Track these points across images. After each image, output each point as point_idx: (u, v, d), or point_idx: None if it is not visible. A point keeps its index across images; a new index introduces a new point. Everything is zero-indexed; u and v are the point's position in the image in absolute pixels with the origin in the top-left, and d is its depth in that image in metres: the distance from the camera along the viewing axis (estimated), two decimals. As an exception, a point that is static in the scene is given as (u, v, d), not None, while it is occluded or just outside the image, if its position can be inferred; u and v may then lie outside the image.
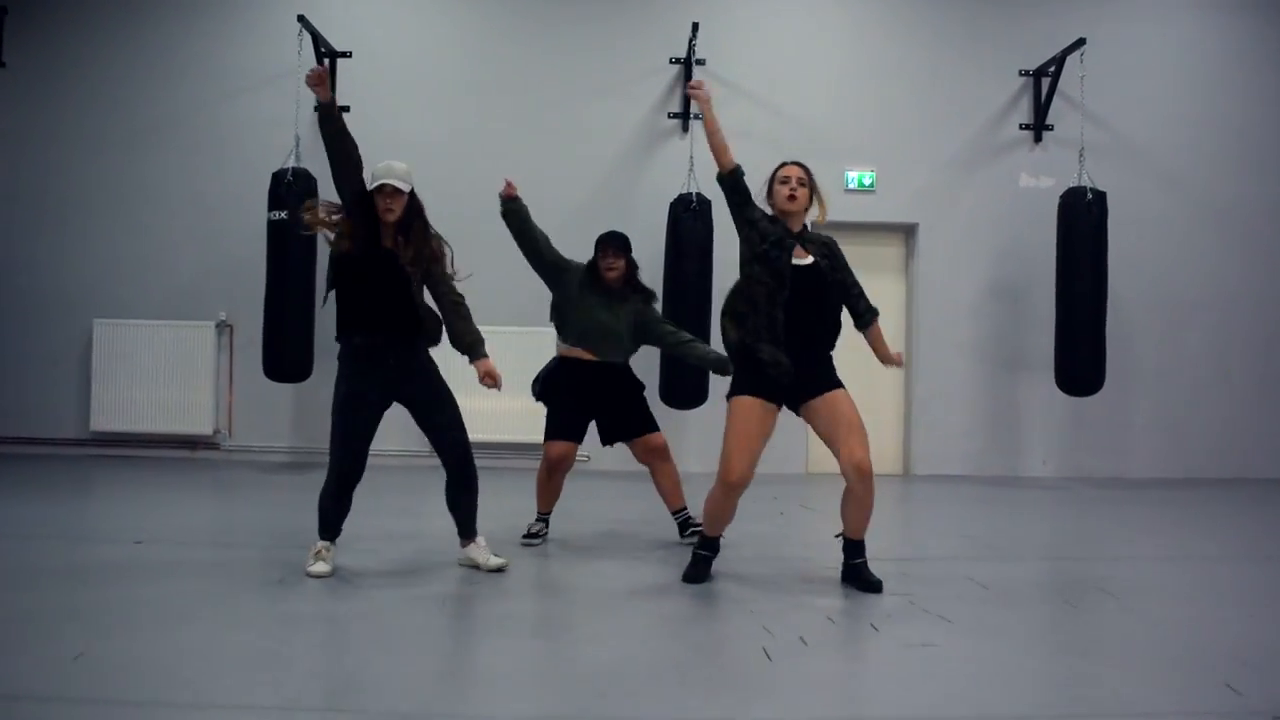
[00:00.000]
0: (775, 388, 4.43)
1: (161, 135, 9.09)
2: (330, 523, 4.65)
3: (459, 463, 4.72)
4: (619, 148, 9.12)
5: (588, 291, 5.39)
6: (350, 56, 9.05)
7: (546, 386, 5.59)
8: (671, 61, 9.06)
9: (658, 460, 5.59)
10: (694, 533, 5.16)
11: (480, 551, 4.79)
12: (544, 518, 5.61)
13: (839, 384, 4.49)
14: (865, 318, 4.65)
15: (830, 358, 4.53)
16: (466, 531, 4.83)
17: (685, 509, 5.62)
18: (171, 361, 8.89)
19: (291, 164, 8.11)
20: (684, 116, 9.01)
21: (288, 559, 4.78)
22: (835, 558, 4.73)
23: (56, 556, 4.86)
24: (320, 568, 4.51)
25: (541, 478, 5.56)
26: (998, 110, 9.29)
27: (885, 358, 4.72)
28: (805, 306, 4.42)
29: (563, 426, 5.48)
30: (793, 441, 8.38)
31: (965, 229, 9.19)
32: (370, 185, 4.49)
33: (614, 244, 5.42)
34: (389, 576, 4.57)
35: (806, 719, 2.99)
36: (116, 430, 8.88)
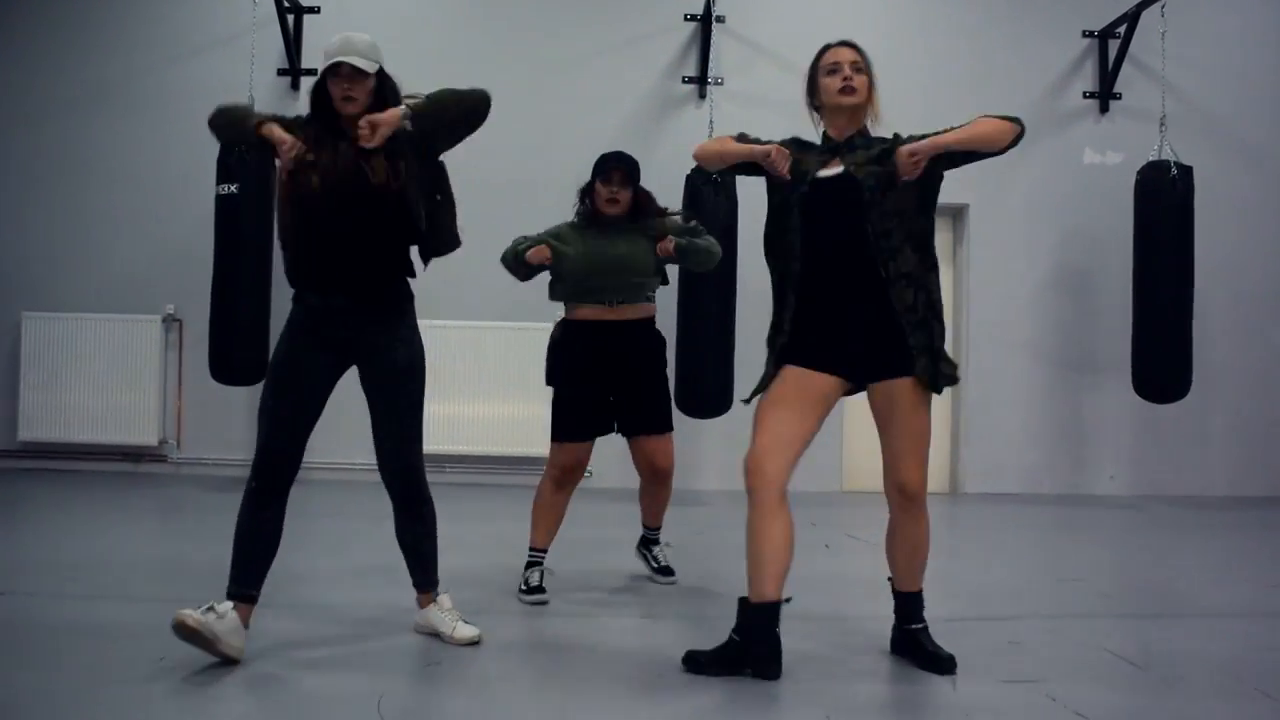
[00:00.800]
0: (828, 355, 3.26)
1: (100, 102, 7.99)
2: (243, 560, 3.33)
3: (405, 486, 3.49)
4: (628, 115, 7.98)
5: (582, 233, 4.33)
6: (318, 12, 7.93)
7: (550, 364, 4.38)
8: (687, 18, 7.93)
9: (658, 482, 4.43)
10: (659, 567, 4.60)
11: (444, 616, 3.53)
12: (539, 557, 4.29)
13: (908, 369, 3.20)
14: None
15: (899, 322, 3.21)
16: (423, 582, 3.56)
17: (659, 530, 4.68)
18: (112, 361, 7.80)
19: (246, 130, 6.96)
20: (701, 80, 7.88)
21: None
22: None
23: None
24: (222, 627, 3.12)
25: (544, 497, 4.30)
26: (1058, 76, 8.17)
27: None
28: (832, 240, 3.27)
29: (573, 422, 4.23)
30: (825, 454, 7.28)
31: (1022, 211, 8.08)
32: (321, 67, 3.34)
33: (620, 167, 4.30)
34: (331, 648, 3.40)
35: None
36: (48, 440, 7.76)
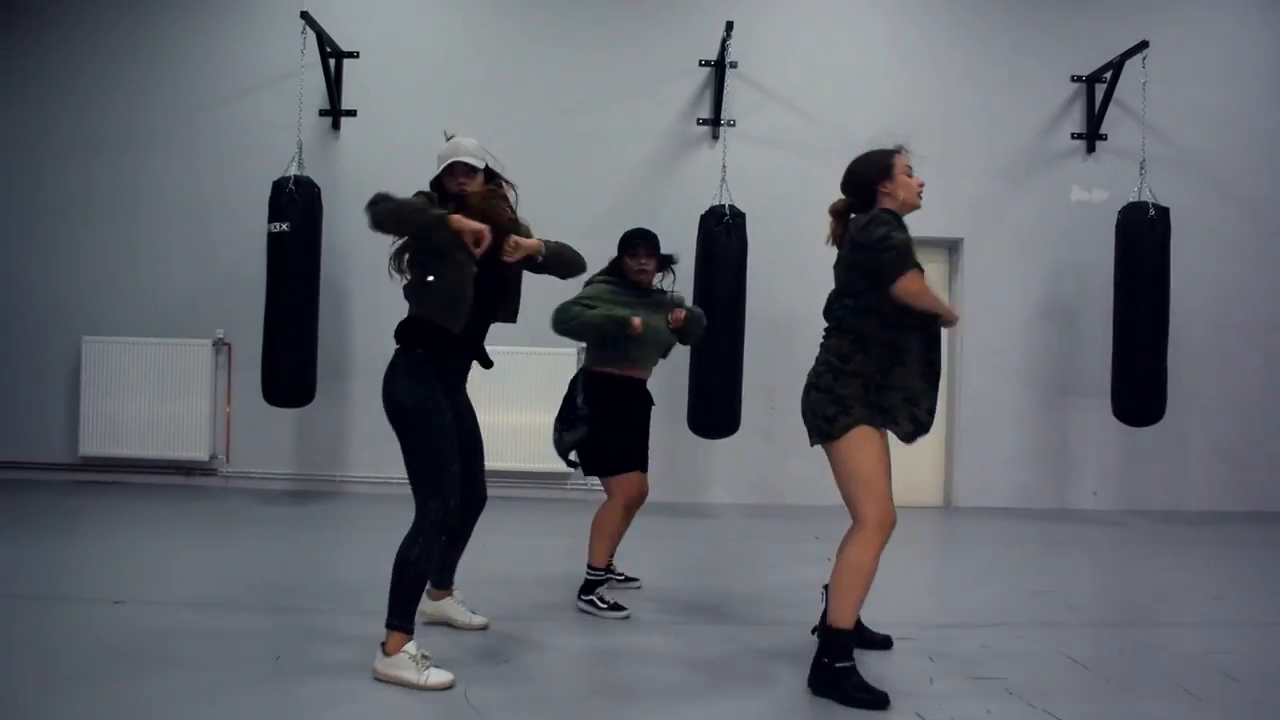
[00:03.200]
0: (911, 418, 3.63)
1: (155, 140, 8.55)
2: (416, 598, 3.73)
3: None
4: (644, 156, 8.54)
5: (623, 301, 4.81)
6: (357, 57, 8.48)
7: (600, 410, 4.77)
8: (701, 64, 8.49)
9: (635, 511, 4.87)
10: (591, 602, 4.70)
11: (458, 608, 4.34)
12: (603, 575, 4.77)
13: None
14: None
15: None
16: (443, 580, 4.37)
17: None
18: (165, 382, 8.34)
19: (294, 172, 7.54)
20: (714, 123, 8.43)
21: (295, 625, 4.22)
22: (897, 620, 4.16)
23: (23, 623, 4.29)
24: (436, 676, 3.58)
25: (611, 523, 4.76)
26: (1048, 119, 8.71)
27: None
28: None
29: (634, 454, 4.82)
30: (825, 468, 7.83)
31: (1013, 244, 8.62)
32: (439, 169, 3.97)
33: (646, 242, 4.90)
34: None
35: None
36: (106, 454, 8.32)
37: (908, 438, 3.60)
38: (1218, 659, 4.12)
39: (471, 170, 3.94)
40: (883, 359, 3.57)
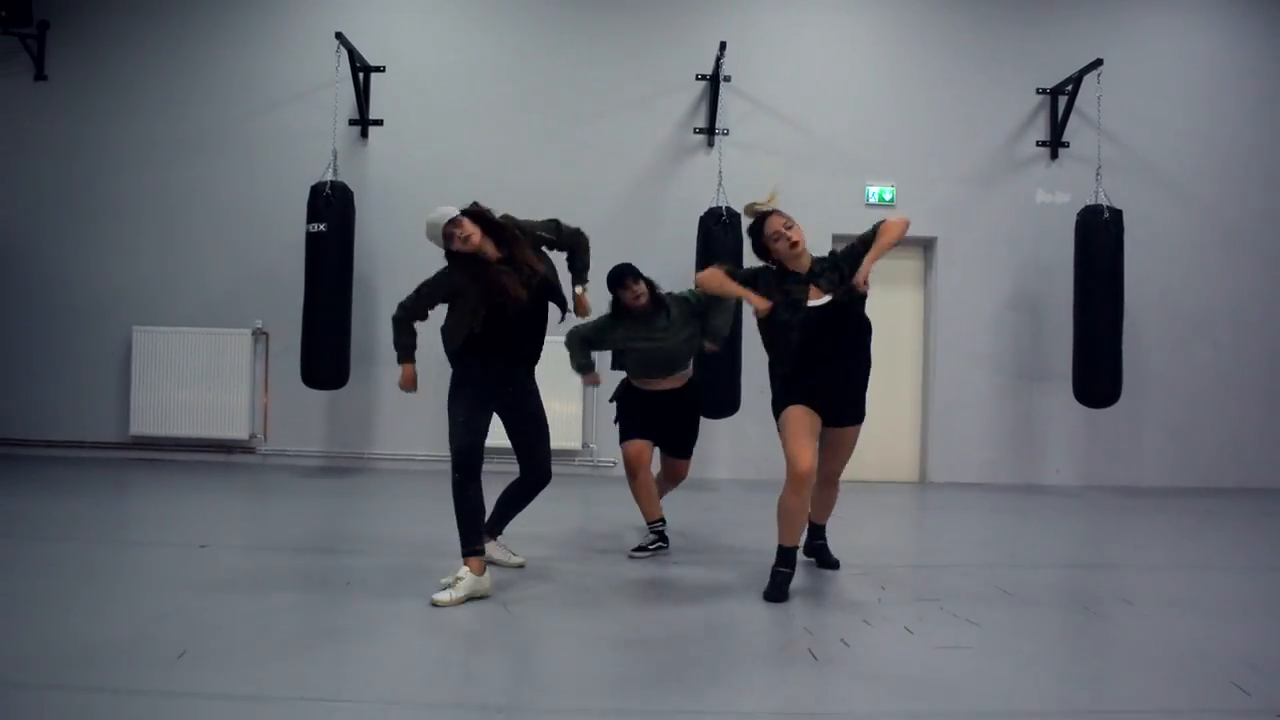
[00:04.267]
0: (817, 405, 4.71)
1: (201, 146, 9.35)
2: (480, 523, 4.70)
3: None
4: (645, 162, 9.34)
5: (625, 328, 5.64)
6: (384, 71, 9.29)
7: (620, 407, 5.90)
8: (698, 78, 9.29)
9: (671, 482, 6.04)
10: (653, 545, 5.63)
11: (501, 549, 5.20)
12: (657, 528, 5.70)
13: (859, 420, 4.88)
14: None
15: (862, 389, 4.84)
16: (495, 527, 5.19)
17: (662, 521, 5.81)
18: (208, 368, 9.13)
19: (330, 177, 8.35)
20: (709, 131, 9.24)
21: (350, 564, 5.05)
22: (861, 562, 4.97)
23: (132, 561, 5.13)
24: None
25: (633, 485, 5.73)
26: (1015, 127, 9.51)
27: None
28: (830, 341, 4.68)
29: (633, 428, 5.74)
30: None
31: (983, 243, 9.41)
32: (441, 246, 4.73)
33: (629, 274, 5.58)
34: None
35: (854, 712, 3.22)
36: (155, 434, 9.13)
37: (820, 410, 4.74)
38: (1122, 590, 4.92)
39: (455, 221, 4.62)
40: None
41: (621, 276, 5.58)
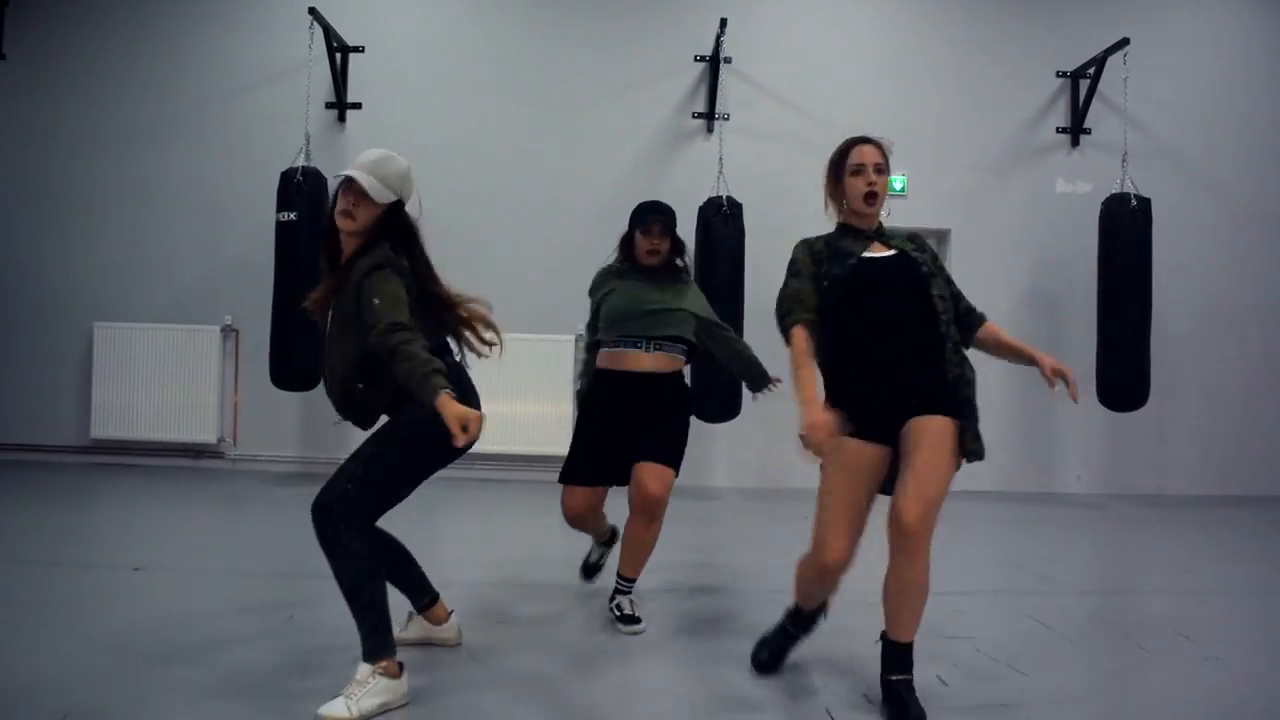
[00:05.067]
0: (875, 418, 3.32)
1: (166, 132, 8.78)
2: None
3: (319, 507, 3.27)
4: (642, 148, 8.77)
5: (620, 278, 4.43)
6: (363, 51, 8.73)
7: (579, 415, 4.53)
8: (696, 59, 8.73)
9: (643, 515, 4.21)
10: (623, 617, 4.21)
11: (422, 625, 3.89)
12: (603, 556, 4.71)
13: (950, 412, 3.33)
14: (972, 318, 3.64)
15: (945, 378, 3.36)
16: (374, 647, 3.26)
17: (633, 583, 4.37)
18: (175, 367, 8.57)
19: (301, 163, 7.78)
20: (709, 116, 8.67)
21: (293, 594, 4.47)
22: (874, 589, 4.41)
23: (53, 586, 4.55)
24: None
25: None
26: (1033, 113, 8.95)
27: (1046, 365, 3.54)
28: (893, 303, 3.39)
29: (584, 460, 4.35)
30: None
31: (1000, 235, 8.86)
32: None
33: (662, 219, 4.34)
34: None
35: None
36: (118, 437, 8.56)
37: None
38: (1176, 622, 4.37)
39: (350, 187, 3.29)
40: None
41: (647, 218, 4.36)
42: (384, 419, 3.42)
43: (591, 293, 4.57)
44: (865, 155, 3.47)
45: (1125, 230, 7.93)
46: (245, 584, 4.66)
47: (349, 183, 3.26)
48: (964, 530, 7.11)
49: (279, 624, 4.01)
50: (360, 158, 3.31)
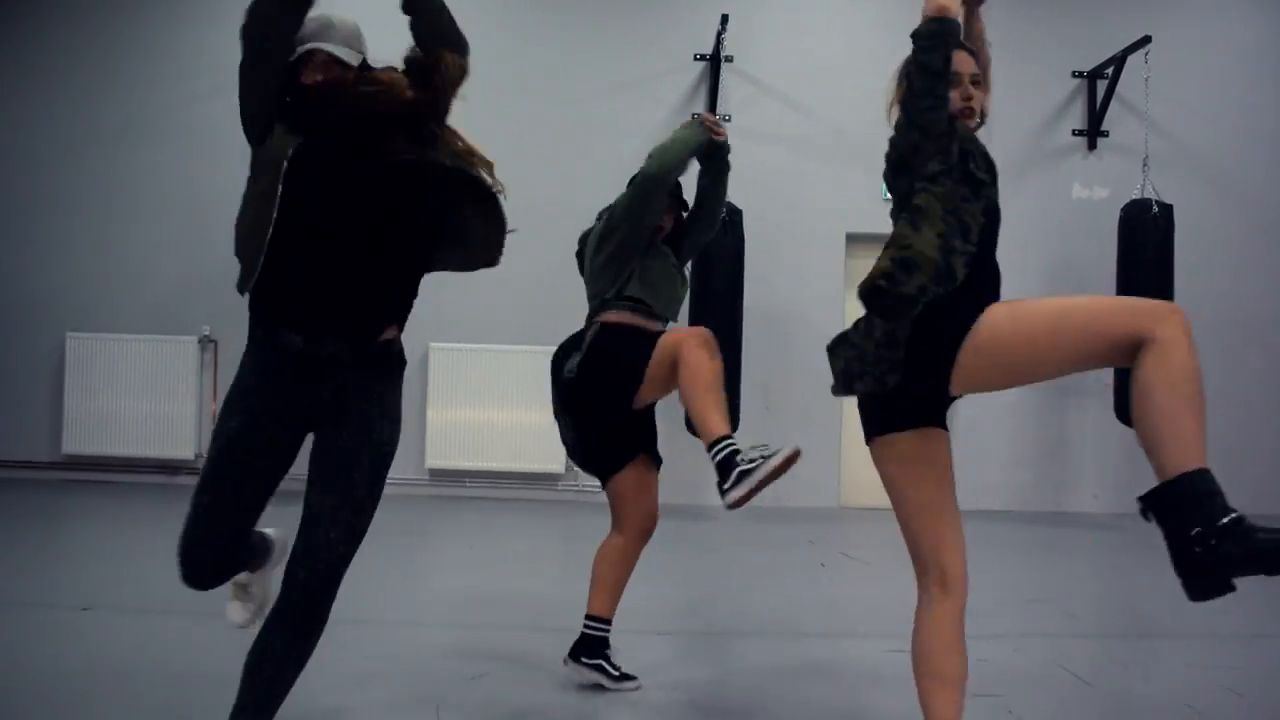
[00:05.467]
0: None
1: (144, 135, 8.45)
2: None
3: (311, 589, 2.51)
4: (641, 149, 8.28)
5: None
6: (350, 50, 8.34)
7: (618, 373, 3.67)
8: (696, 58, 8.37)
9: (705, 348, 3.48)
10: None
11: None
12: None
13: None
14: None
15: None
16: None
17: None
18: (150, 379, 8.24)
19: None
20: (709, 118, 8.31)
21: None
22: (887, 630, 4.03)
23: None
24: None
25: (604, 571, 3.88)
26: (1048, 115, 8.60)
27: None
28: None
29: (634, 435, 3.92)
30: (822, 469, 7.74)
31: (1013, 242, 8.24)
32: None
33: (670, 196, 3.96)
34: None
35: None
36: (90, 453, 8.23)
37: None
38: (1222, 674, 3.99)
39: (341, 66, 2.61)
40: None
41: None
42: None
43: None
44: (961, 63, 2.82)
45: (1146, 237, 7.57)
46: (192, 626, 4.27)
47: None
48: (979, 556, 6.71)
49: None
50: (335, 33, 2.67)
